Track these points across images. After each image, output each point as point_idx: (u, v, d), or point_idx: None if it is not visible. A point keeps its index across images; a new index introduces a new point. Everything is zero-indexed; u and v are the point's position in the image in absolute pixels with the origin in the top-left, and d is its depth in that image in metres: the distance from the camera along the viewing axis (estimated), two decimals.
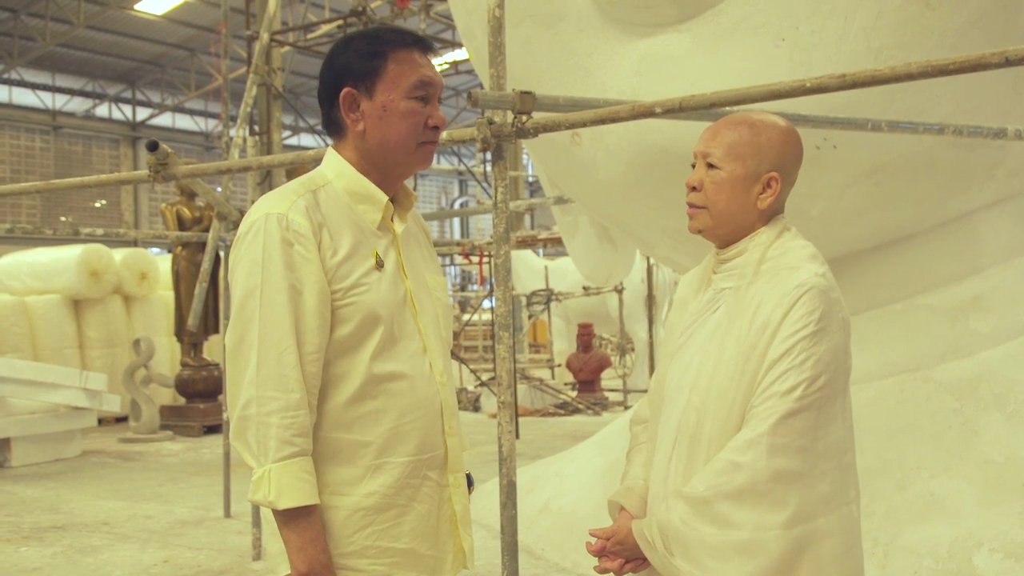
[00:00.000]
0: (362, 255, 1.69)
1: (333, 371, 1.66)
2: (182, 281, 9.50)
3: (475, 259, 12.20)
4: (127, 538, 5.32)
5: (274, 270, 1.61)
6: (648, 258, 9.97)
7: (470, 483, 1.85)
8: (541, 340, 17.72)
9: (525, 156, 19.35)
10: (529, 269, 14.14)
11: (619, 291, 11.60)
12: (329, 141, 1.82)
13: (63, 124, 23.55)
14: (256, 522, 4.75)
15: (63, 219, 22.89)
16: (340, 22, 11.05)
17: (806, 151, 1.80)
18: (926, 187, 3.77)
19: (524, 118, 2.76)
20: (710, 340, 1.70)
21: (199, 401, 9.61)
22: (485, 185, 13.50)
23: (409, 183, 2.52)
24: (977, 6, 3.27)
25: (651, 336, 10.20)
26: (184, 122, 26.44)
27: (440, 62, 16.04)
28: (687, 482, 1.66)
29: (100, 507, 6.16)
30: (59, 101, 23.54)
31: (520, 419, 8.94)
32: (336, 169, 1.75)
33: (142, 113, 25.35)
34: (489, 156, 3.14)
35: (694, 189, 1.75)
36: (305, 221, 1.64)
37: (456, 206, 32.56)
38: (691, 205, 1.76)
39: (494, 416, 9.50)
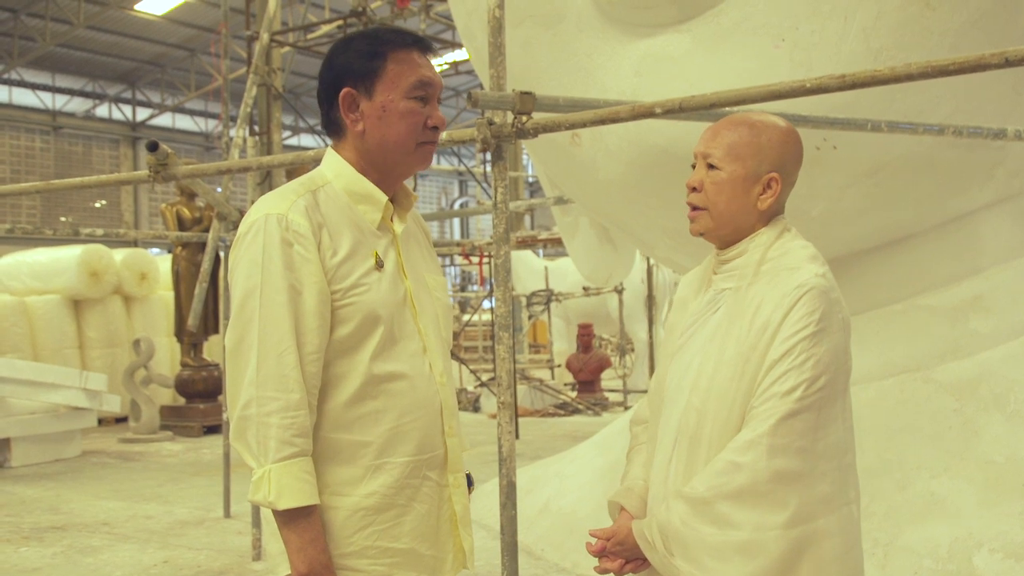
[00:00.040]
0: (362, 255, 1.69)
1: (333, 371, 1.66)
2: (182, 281, 9.50)
3: (475, 259, 12.19)
4: (127, 538, 5.32)
5: (274, 270, 1.61)
6: (648, 258, 9.97)
7: (470, 483, 1.85)
8: (541, 340, 17.72)
9: (525, 156, 19.33)
10: (529, 269, 14.13)
11: (619, 291, 11.59)
12: (329, 141, 1.82)
13: (63, 124, 23.54)
14: (256, 522, 4.75)
15: (63, 219, 22.89)
16: (340, 22, 11.06)
17: (806, 151, 1.80)
18: (926, 187, 3.77)
19: (524, 118, 2.76)
20: (710, 341, 1.70)
21: (199, 401, 9.61)
22: (485, 185, 13.50)
23: (409, 183, 2.52)
24: (977, 6, 3.27)
25: (651, 336, 10.20)
26: (184, 122, 26.44)
27: (440, 62, 16.05)
28: (687, 482, 1.66)
29: (100, 507, 6.15)
30: (59, 101, 23.54)
31: (520, 419, 8.94)
32: (336, 169, 1.75)
33: (142, 113, 25.35)
34: (489, 156, 3.14)
35: (694, 190, 1.75)
36: (305, 221, 1.64)
37: (456, 206, 32.56)
38: (691, 206, 1.76)
39: (494, 416, 9.49)
